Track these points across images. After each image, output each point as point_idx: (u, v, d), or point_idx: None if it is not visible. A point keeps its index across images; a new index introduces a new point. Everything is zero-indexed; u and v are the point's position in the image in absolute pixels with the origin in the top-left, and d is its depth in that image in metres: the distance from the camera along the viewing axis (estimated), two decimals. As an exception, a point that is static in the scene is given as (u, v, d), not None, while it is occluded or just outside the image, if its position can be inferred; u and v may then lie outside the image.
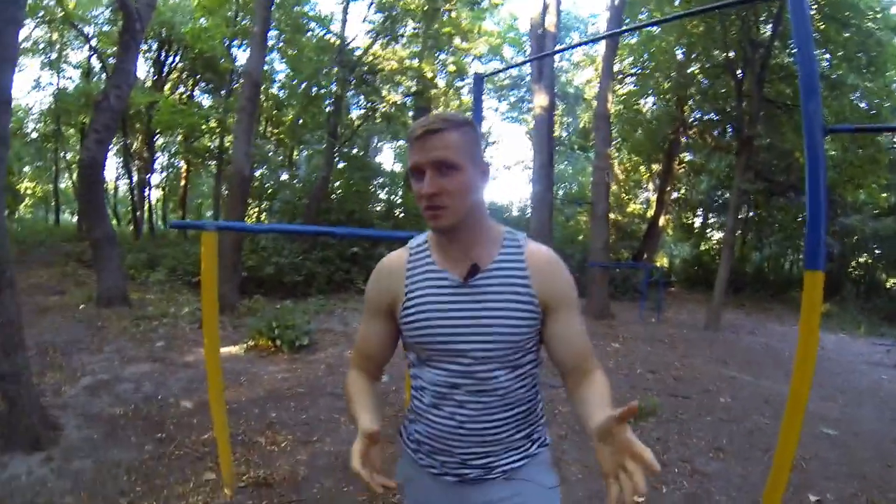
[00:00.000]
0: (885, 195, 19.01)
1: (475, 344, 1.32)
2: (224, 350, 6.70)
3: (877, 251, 22.25)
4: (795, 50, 2.41)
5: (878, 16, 13.08)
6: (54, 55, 20.87)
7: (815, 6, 12.38)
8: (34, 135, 24.11)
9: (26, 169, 28.11)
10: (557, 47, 14.66)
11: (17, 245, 14.43)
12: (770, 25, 13.58)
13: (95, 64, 19.57)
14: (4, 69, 3.75)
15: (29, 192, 29.82)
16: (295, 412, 4.90)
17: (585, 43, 19.40)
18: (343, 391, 1.50)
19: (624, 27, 13.14)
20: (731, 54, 14.61)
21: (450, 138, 1.27)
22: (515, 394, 1.37)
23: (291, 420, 4.68)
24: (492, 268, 1.35)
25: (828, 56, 13.58)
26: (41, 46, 20.44)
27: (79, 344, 6.47)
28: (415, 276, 1.40)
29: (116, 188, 29.04)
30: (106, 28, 18.80)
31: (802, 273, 2.31)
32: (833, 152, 15.24)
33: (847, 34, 12.65)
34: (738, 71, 14.66)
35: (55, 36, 20.26)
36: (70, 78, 22.47)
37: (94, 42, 18.30)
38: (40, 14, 17.05)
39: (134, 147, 20.54)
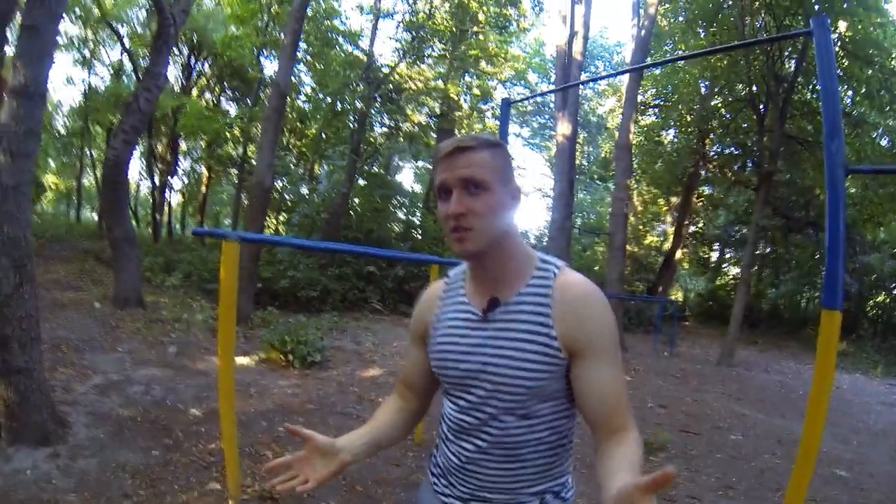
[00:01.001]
0: (904, 234, 18.81)
1: (483, 382, 1.24)
2: (235, 361, 6.72)
3: (895, 290, 21.96)
4: (819, 87, 2.41)
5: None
6: (87, 53, 21.29)
7: (839, 43, 12.38)
8: (62, 130, 24.57)
9: (51, 163, 28.58)
10: (583, 76, 14.73)
11: (36, 239, 14.61)
12: (794, 60, 13.57)
13: (127, 64, 19.91)
14: (41, 63, 3.82)
15: (52, 186, 30.27)
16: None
17: (613, 75, 19.45)
18: None
19: (650, 60, 13.20)
20: (755, 89, 14.61)
21: (480, 157, 1.19)
22: (528, 445, 1.26)
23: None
24: (513, 301, 1.25)
25: (850, 93, 13.53)
26: (75, 43, 20.86)
27: (92, 342, 6.51)
28: (445, 307, 1.36)
29: (138, 189, 29.42)
30: (139, 30, 19.19)
31: (818, 311, 2.30)
32: (853, 190, 15.12)
33: (870, 72, 12.61)
34: (761, 106, 14.64)
35: (89, 34, 20.68)
36: (101, 76, 22.93)
37: (126, 42, 18.64)
38: (76, 10, 17.41)
39: (158, 150, 20.81)
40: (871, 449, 6.71)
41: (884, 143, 14.14)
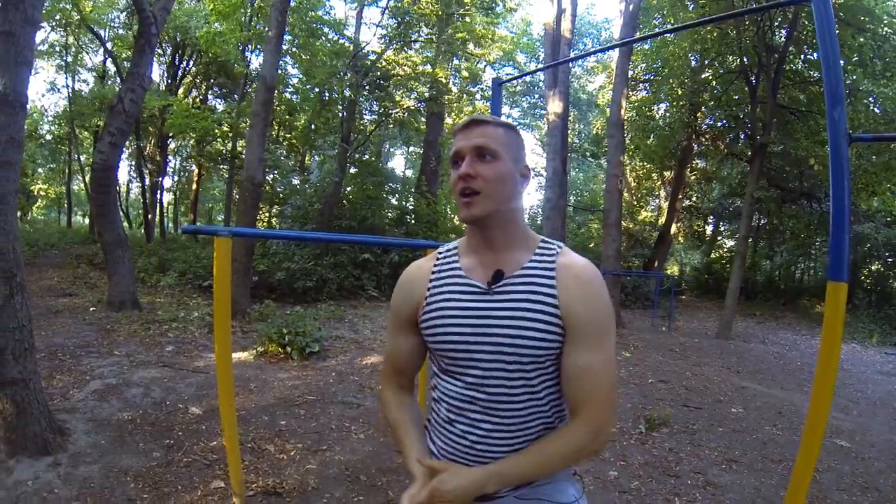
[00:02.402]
0: (898, 202, 18.80)
1: (488, 354, 1.26)
2: (234, 356, 6.68)
3: (889, 259, 22.02)
4: (816, 57, 2.37)
5: (895, 21, 12.96)
6: (70, 58, 21.10)
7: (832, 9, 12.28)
8: (48, 137, 24.40)
9: (40, 170, 28.43)
10: (573, 53, 14.62)
11: (28, 247, 14.56)
12: (785, 30, 13.48)
13: (110, 67, 19.75)
14: (20, 71, 3.74)
15: (42, 193, 30.13)
16: (305, 420, 4.87)
17: (602, 50, 19.26)
18: (382, 412, 1.45)
19: (639, 34, 13.10)
20: (746, 60, 14.53)
21: (493, 131, 1.29)
22: (533, 415, 1.29)
23: (301, 428, 4.65)
24: (518, 274, 1.29)
25: (843, 62, 13.46)
26: (57, 49, 20.66)
27: (88, 347, 6.47)
28: (439, 282, 1.36)
29: (129, 191, 29.29)
30: (121, 32, 19.00)
31: (814, 282, 2.26)
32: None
33: (862, 39, 12.54)
34: (753, 77, 14.57)
35: (71, 39, 20.48)
36: (85, 81, 22.76)
37: (109, 45, 18.46)
38: (56, 17, 17.22)
39: (147, 150, 20.67)
40: (870, 418, 6.75)
41: (877, 110, 14.07)
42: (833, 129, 2.23)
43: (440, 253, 1.44)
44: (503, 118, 1.56)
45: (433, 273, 1.39)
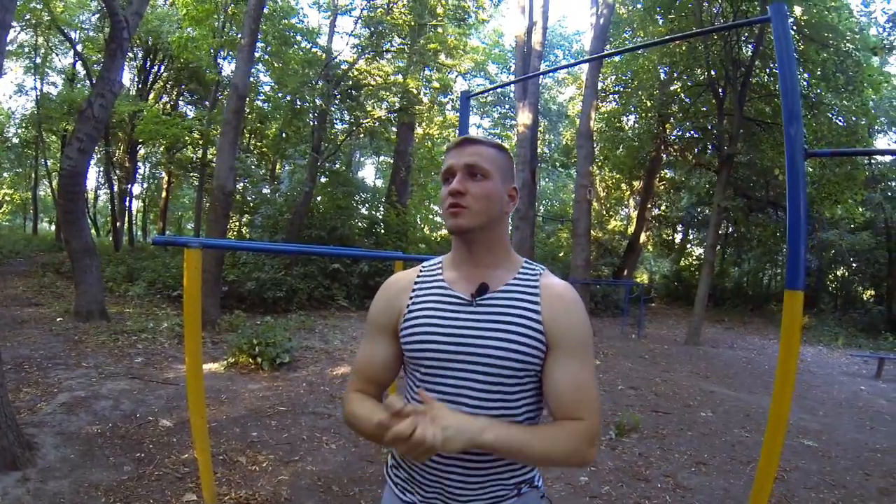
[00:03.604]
0: (861, 210, 19.41)
1: (468, 364, 1.26)
2: (204, 367, 6.60)
3: (854, 265, 22.68)
4: (777, 72, 2.45)
5: (857, 37, 13.39)
6: (39, 60, 20.65)
7: (795, 27, 12.65)
8: (14, 140, 23.83)
9: (5, 175, 27.74)
10: (543, 66, 14.81)
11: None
12: (752, 45, 13.84)
13: (80, 70, 19.36)
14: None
15: (6, 199, 29.40)
16: (276, 431, 4.84)
17: (573, 65, 19.59)
18: (345, 414, 1.38)
19: (609, 48, 13.33)
20: (714, 73, 14.87)
21: (486, 150, 1.33)
22: None
23: (273, 439, 4.63)
24: (502, 290, 1.31)
25: (807, 76, 13.88)
26: (26, 50, 20.22)
27: (56, 359, 6.34)
28: (421, 292, 1.38)
29: (97, 198, 28.69)
30: (92, 34, 18.67)
31: (781, 287, 2.34)
32: (811, 169, 15.55)
33: (825, 55, 12.93)
34: (720, 89, 14.91)
35: (40, 40, 20.07)
36: (54, 83, 22.27)
37: (79, 48, 18.12)
38: (26, 17, 16.87)
39: (116, 157, 20.32)
40: (836, 418, 6.94)
41: (841, 122, 14.52)
42: (790, 145, 2.32)
43: (424, 266, 1.45)
44: (475, 130, 1.60)
45: (416, 283, 1.40)
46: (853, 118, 14.29)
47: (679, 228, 28.01)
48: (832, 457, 5.22)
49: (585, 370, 1.27)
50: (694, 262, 27.16)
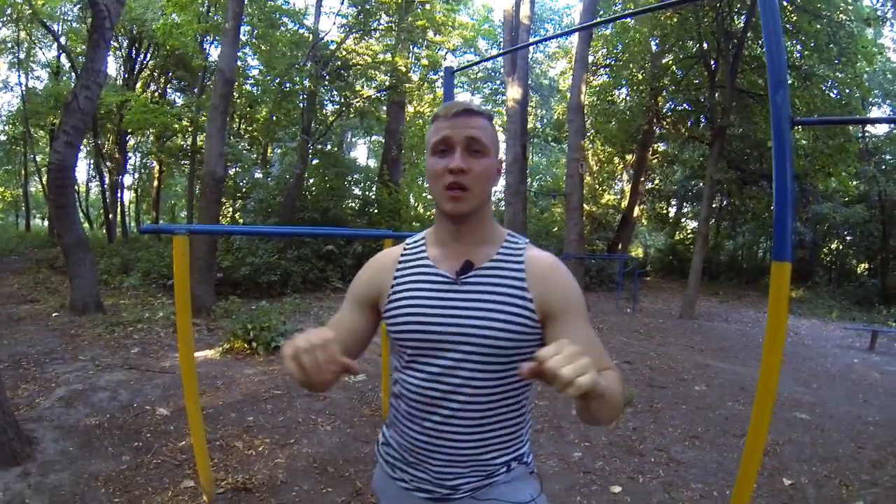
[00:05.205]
0: (854, 183, 19.43)
1: (457, 344, 1.24)
2: (200, 354, 6.64)
3: (848, 237, 22.76)
4: (763, 40, 2.42)
5: (850, 7, 13.29)
6: (22, 55, 20.43)
7: (788, -3, 12.58)
8: (2, 137, 23.65)
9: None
10: (531, 39, 14.68)
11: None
12: (744, 16, 13.74)
13: (65, 62, 19.18)
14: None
15: (-2, 196, 29.27)
16: (272, 415, 4.87)
17: (559, 35, 19.42)
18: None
19: (598, 19, 13.20)
20: (705, 45, 14.77)
21: (483, 123, 1.29)
22: (497, 413, 1.29)
23: (269, 423, 4.66)
24: (487, 266, 1.30)
25: (800, 47, 13.80)
26: (8, 45, 20.00)
27: (52, 354, 6.35)
28: (405, 271, 1.36)
29: (88, 190, 28.55)
30: (75, 25, 18.45)
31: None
32: (804, 142, 15.53)
33: (818, 25, 12.84)
34: (712, 61, 14.83)
35: (23, 34, 19.83)
36: (39, 78, 22.06)
37: (63, 40, 17.92)
38: (7, 11, 16.67)
39: (105, 148, 20.18)
40: (829, 391, 7.00)
41: (834, 94, 14.47)
42: (776, 113, 2.29)
43: (407, 244, 1.43)
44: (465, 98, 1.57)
45: (400, 262, 1.39)
46: (847, 90, 14.24)
47: (673, 202, 28.02)
48: (825, 429, 5.27)
49: (589, 329, 1.28)
50: (688, 236, 27.21)
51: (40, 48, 21.45)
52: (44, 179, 22.20)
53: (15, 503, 3.16)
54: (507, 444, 1.32)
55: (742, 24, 13.83)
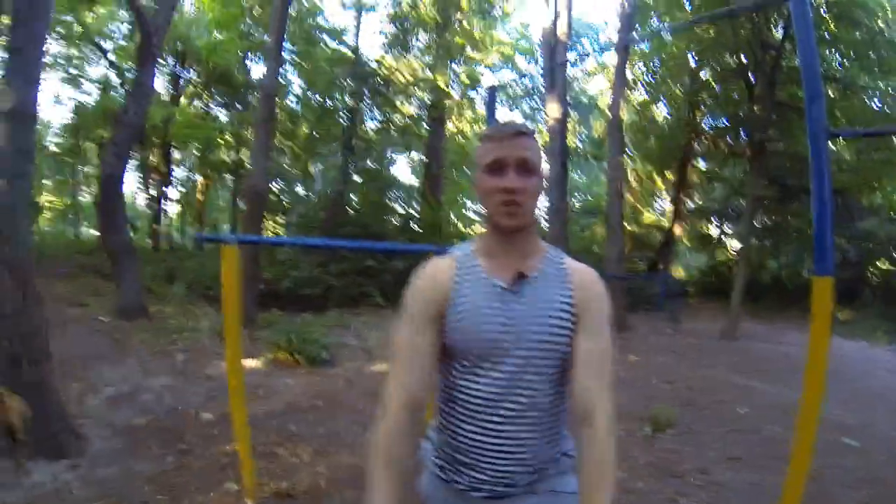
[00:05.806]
0: (901, 198, 18.82)
1: (519, 349, 1.32)
2: (243, 362, 6.76)
3: (895, 255, 21.94)
4: (798, 51, 2.41)
5: (890, 15, 12.98)
6: (73, 70, 21.23)
7: (826, 5, 12.34)
8: (54, 149, 24.54)
9: (47, 182, 28.57)
10: (570, 55, 14.69)
11: (38, 258, 14.62)
12: (781, 27, 13.54)
13: (113, 78, 19.87)
14: (29, 85, 3.87)
15: (49, 205, 30.29)
16: (314, 425, 4.94)
17: (599, 51, 19.34)
18: (372, 446, 1.38)
19: (635, 35, 13.16)
20: (743, 58, 14.57)
21: (533, 144, 1.37)
22: (550, 411, 1.38)
23: (311, 433, 4.73)
24: (537, 276, 1.38)
25: (839, 57, 13.51)
26: (60, 62, 20.80)
27: (100, 356, 6.55)
28: (463, 282, 1.39)
29: (135, 201, 29.42)
30: (123, 43, 19.13)
31: (817, 279, 2.27)
32: (847, 156, 15.15)
33: (857, 34, 12.56)
34: (750, 74, 14.61)
35: (74, 51, 20.62)
36: (89, 93, 22.88)
37: (111, 57, 18.59)
38: (59, 29, 17.37)
39: (152, 161, 20.80)
40: (873, 413, 6.76)
41: (876, 105, 14.10)
42: (813, 125, 2.29)
43: (457, 255, 1.45)
44: (492, 122, 1.64)
45: (457, 273, 1.41)
46: (889, 100, 13.88)
47: (714, 221, 27.46)
48: (869, 452, 5.10)
49: (609, 340, 1.37)
50: (731, 256, 26.59)
51: (90, 64, 22.27)
52: (93, 189, 23.00)
53: (63, 492, 3.29)
54: (556, 433, 1.43)
55: (780, 36, 13.61)
